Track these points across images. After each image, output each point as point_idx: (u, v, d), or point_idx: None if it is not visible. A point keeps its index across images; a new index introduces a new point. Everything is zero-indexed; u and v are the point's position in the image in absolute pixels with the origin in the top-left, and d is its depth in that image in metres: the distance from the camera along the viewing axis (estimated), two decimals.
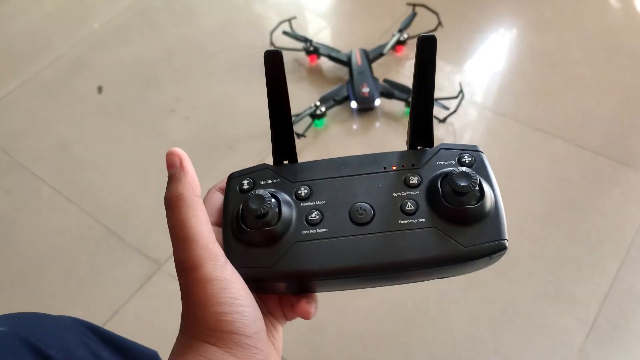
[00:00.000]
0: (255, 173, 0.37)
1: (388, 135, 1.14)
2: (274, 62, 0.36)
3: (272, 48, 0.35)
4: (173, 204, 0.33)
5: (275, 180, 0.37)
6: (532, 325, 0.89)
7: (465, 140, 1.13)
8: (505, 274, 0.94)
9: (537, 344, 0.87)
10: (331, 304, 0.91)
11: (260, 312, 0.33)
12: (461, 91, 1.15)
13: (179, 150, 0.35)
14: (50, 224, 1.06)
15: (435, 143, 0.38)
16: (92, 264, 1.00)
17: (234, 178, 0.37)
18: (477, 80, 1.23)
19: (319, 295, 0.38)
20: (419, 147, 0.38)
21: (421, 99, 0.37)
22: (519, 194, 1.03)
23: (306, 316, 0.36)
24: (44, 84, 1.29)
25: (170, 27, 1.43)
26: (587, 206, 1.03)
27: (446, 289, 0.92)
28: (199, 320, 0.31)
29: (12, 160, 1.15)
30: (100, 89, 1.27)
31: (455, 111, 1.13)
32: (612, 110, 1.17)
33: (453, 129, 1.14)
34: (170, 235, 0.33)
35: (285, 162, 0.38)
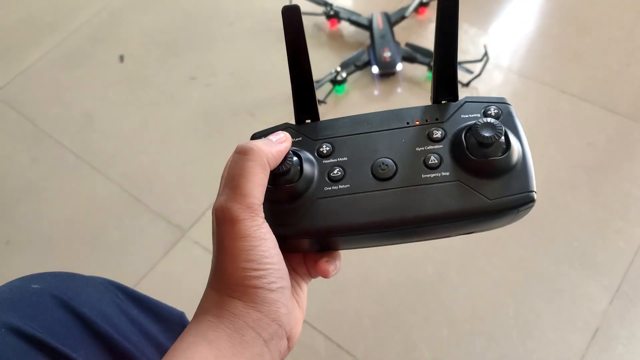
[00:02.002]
0: None
1: (410, 100, 1.13)
2: (292, 17, 0.35)
3: (288, 4, 0.35)
4: (246, 152, 0.32)
5: (297, 139, 0.37)
6: (555, 291, 0.89)
7: None
8: (527, 239, 0.93)
9: (559, 310, 0.87)
10: (352, 268, 0.92)
11: (287, 271, 0.33)
12: (486, 54, 1.12)
13: (288, 135, 0.35)
14: (76, 192, 1.08)
15: None
16: (118, 231, 1.02)
17: (256, 138, 0.37)
18: (503, 42, 1.20)
19: (343, 256, 0.39)
20: (443, 102, 0.37)
21: (445, 50, 0.35)
22: (543, 158, 1.01)
23: (325, 274, 0.37)
24: (66, 53, 1.30)
25: None
26: (613, 171, 1.00)
27: (467, 254, 0.92)
28: (227, 273, 0.32)
29: (37, 129, 1.17)
30: (122, 58, 1.28)
31: (479, 75, 1.11)
32: None
33: (477, 93, 1.12)
34: (226, 179, 0.33)
35: (307, 120, 0.38)
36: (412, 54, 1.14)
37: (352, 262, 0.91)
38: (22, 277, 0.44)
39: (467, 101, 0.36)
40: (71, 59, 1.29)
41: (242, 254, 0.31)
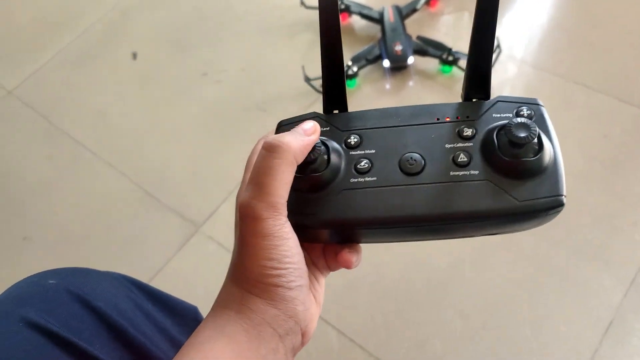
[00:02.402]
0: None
1: (422, 94, 1.12)
2: (328, 5, 0.34)
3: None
4: (273, 150, 0.32)
5: (325, 129, 0.36)
6: (569, 284, 0.88)
7: (505, 94, 1.10)
8: (542, 231, 0.92)
9: (572, 303, 0.86)
10: (365, 263, 0.91)
11: (306, 268, 0.33)
12: (498, 46, 1.11)
13: (317, 126, 0.35)
14: (91, 188, 1.09)
15: None
16: (133, 226, 1.03)
17: (283, 125, 0.37)
18: (516, 34, 1.19)
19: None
20: (474, 100, 0.36)
21: (480, 47, 0.35)
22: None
23: (348, 265, 0.36)
24: (79, 52, 1.31)
25: None
26: (629, 163, 0.99)
27: (480, 248, 0.92)
28: (246, 269, 0.32)
29: (52, 126, 1.19)
30: (134, 55, 1.29)
31: (492, 66, 1.10)
32: None
33: (491, 85, 1.11)
34: (251, 175, 0.32)
35: (335, 111, 0.38)
36: (424, 47, 1.13)
37: (365, 256, 0.90)
38: (39, 273, 0.45)
39: (499, 100, 0.35)
40: (84, 57, 1.30)
41: (264, 252, 0.31)
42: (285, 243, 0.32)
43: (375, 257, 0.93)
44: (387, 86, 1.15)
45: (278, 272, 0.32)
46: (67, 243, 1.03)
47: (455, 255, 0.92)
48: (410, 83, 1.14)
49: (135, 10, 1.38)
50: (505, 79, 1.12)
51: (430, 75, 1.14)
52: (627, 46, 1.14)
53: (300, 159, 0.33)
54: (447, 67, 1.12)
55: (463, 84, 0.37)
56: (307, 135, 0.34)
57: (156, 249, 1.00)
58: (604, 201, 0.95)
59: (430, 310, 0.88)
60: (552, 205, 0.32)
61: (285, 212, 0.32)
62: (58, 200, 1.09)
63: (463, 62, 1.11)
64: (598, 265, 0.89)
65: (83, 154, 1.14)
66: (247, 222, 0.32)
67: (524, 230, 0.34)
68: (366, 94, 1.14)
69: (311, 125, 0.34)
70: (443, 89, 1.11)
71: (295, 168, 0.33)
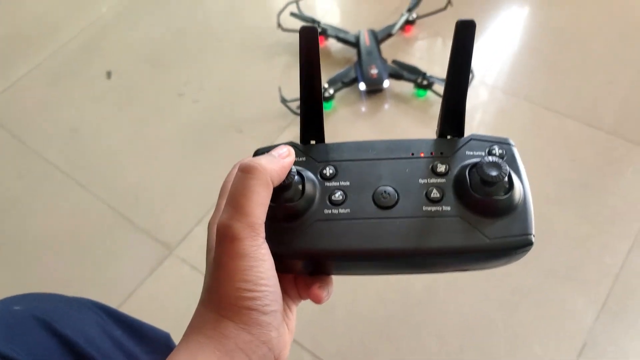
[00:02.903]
0: None
1: (397, 117, 1.14)
2: (309, 38, 0.35)
3: (307, 24, 0.34)
4: (249, 171, 0.32)
5: (301, 159, 0.37)
6: (542, 306, 0.89)
7: (476, 121, 1.12)
8: None
9: (546, 325, 0.87)
10: (341, 285, 0.91)
11: (280, 293, 0.33)
12: (471, 71, 1.13)
13: (292, 149, 0.35)
14: (62, 209, 1.07)
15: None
16: (104, 248, 1.01)
17: (260, 153, 0.37)
18: (488, 59, 1.22)
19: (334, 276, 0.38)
20: (448, 137, 0.37)
21: (455, 87, 0.36)
22: (530, 174, 1.02)
23: (317, 300, 0.36)
24: (53, 69, 1.30)
25: (179, 9, 1.43)
26: (598, 186, 1.02)
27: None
28: (221, 292, 0.32)
29: (23, 145, 1.16)
30: (109, 74, 1.28)
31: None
32: (625, 90, 1.15)
33: (464, 123, 1.13)
34: (228, 197, 0.33)
35: (312, 141, 0.38)
36: (399, 71, 1.15)
37: (341, 279, 0.90)
38: (4, 299, 0.44)
39: (472, 138, 0.36)
40: (58, 75, 1.29)
41: (240, 274, 0.31)
42: (261, 264, 0.32)
43: (350, 279, 0.92)
44: (363, 109, 1.16)
45: (253, 294, 0.31)
46: (37, 265, 1.00)
47: (431, 277, 0.92)
48: (386, 106, 1.15)
49: (112, 28, 1.37)
50: (478, 103, 1.15)
51: (405, 99, 1.16)
52: (596, 73, 1.18)
53: (277, 182, 0.33)
54: (421, 91, 1.14)
55: (438, 121, 0.38)
56: (282, 158, 0.34)
57: (128, 271, 0.98)
58: (574, 223, 0.97)
59: (406, 332, 0.88)
60: (521, 244, 0.32)
61: (262, 233, 0.32)
62: (28, 221, 1.06)
63: (437, 87, 1.13)
64: (571, 287, 0.90)
65: (54, 174, 1.11)
66: (226, 243, 0.32)
67: (493, 267, 0.35)
68: (342, 116, 1.15)
69: (286, 150, 0.35)
70: (418, 112, 1.13)
71: (271, 190, 0.33)
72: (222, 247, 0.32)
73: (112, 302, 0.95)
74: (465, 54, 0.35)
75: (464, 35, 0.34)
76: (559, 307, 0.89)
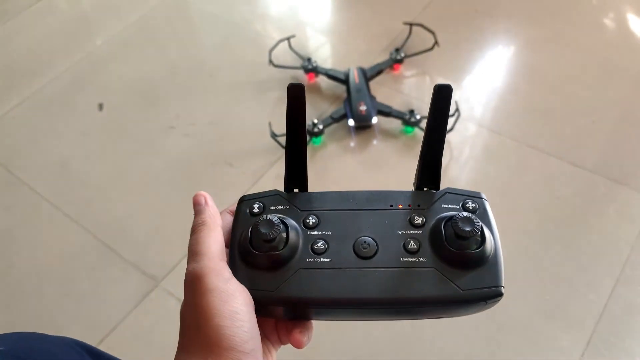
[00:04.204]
0: (266, 198, 0.38)
1: (385, 152, 1.16)
2: (296, 95, 0.37)
3: (295, 82, 0.36)
4: (195, 228, 0.36)
5: (285, 207, 0.38)
6: (527, 344, 0.89)
7: (463, 157, 1.14)
8: None
9: None
10: (327, 322, 0.91)
11: (258, 330, 0.34)
12: (457, 110, 1.16)
13: (204, 193, 0.39)
14: (49, 241, 1.07)
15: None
16: (90, 281, 1.00)
17: (245, 201, 0.38)
18: (474, 98, 1.25)
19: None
20: (425, 189, 0.39)
21: (432, 144, 0.38)
22: (513, 212, 1.04)
23: (298, 345, 0.37)
24: (45, 100, 1.31)
25: (172, 44, 1.45)
26: (582, 224, 1.03)
27: None
28: (199, 332, 0.32)
29: (12, 176, 1.16)
30: (101, 106, 1.29)
31: (451, 129, 1.15)
32: (607, 129, 1.18)
33: (450, 147, 1.15)
34: (187, 253, 0.36)
35: (296, 190, 0.39)
36: (387, 108, 1.18)
37: None
38: None
39: (448, 192, 0.38)
40: (50, 106, 1.30)
41: (213, 309, 0.32)
42: (233, 300, 0.32)
43: None
44: (352, 144, 1.18)
45: (231, 331, 0.31)
46: (22, 297, 0.99)
47: None
48: (375, 142, 1.17)
49: (105, 61, 1.39)
50: (465, 138, 1.17)
51: (393, 135, 1.18)
52: (577, 112, 1.21)
53: (217, 220, 0.37)
54: (409, 128, 1.16)
55: (416, 174, 0.40)
56: (204, 205, 0.38)
57: (114, 304, 0.97)
58: (559, 261, 0.98)
59: None
60: (491, 295, 0.34)
61: (227, 269, 0.34)
62: (14, 253, 1.05)
63: (424, 123, 1.15)
64: (557, 325, 0.91)
65: (42, 205, 1.11)
66: (194, 284, 0.33)
67: (466, 315, 0.37)
68: (332, 151, 1.16)
69: (197, 198, 0.39)
70: (405, 148, 1.15)
71: (219, 228, 0.36)
72: (191, 290, 0.33)
73: (98, 334, 0.94)
74: (442, 115, 0.36)
75: (441, 97, 0.36)
76: (545, 345, 0.89)
